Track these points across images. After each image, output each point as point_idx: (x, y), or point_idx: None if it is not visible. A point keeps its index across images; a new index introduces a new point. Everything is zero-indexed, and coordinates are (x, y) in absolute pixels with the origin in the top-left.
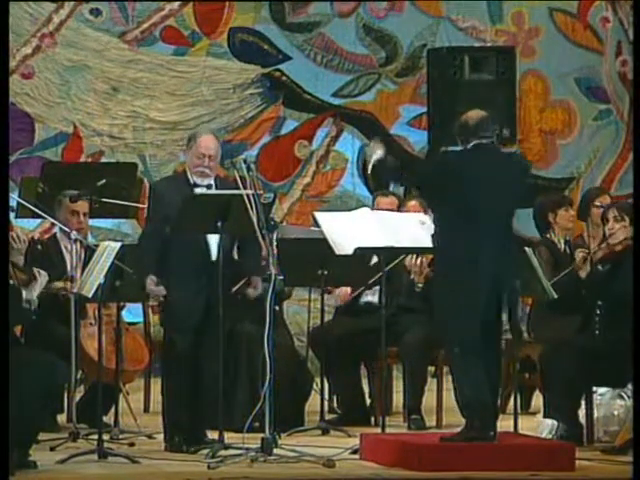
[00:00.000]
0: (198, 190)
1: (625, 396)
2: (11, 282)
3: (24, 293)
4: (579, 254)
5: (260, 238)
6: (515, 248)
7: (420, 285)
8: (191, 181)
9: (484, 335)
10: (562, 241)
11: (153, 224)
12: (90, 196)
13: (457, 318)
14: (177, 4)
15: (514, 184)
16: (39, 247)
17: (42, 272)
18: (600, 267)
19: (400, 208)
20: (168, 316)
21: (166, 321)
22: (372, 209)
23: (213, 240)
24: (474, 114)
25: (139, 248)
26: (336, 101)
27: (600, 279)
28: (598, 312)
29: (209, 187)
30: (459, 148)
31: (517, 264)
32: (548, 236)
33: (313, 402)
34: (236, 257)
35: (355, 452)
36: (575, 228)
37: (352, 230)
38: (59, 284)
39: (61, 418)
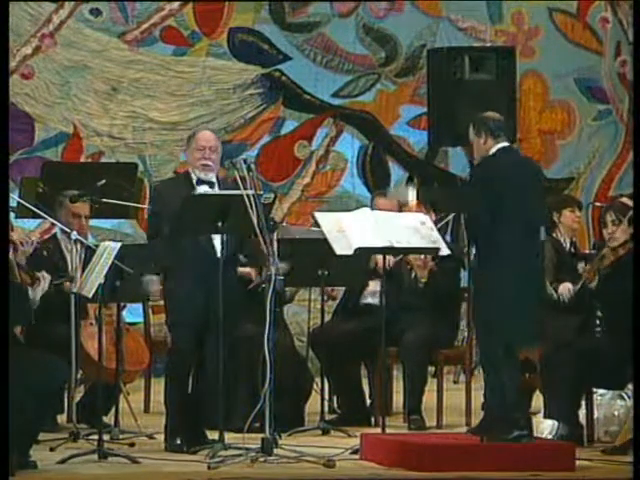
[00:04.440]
0: (201, 188)
1: (625, 396)
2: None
3: (30, 292)
4: (585, 269)
5: (260, 238)
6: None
7: (423, 280)
8: (194, 179)
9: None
10: (567, 241)
11: (157, 226)
12: (90, 196)
13: (503, 320)
14: (177, 4)
15: (539, 187)
16: (45, 252)
17: (46, 275)
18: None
19: (402, 208)
20: (172, 314)
21: (170, 319)
22: (371, 210)
23: (217, 238)
24: (493, 115)
25: (146, 249)
26: (336, 101)
27: (602, 281)
28: (599, 313)
29: (211, 185)
30: (487, 154)
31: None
32: (554, 235)
33: (313, 402)
34: (241, 257)
35: (355, 452)
36: (580, 229)
37: (352, 230)
38: (66, 284)
39: (61, 418)
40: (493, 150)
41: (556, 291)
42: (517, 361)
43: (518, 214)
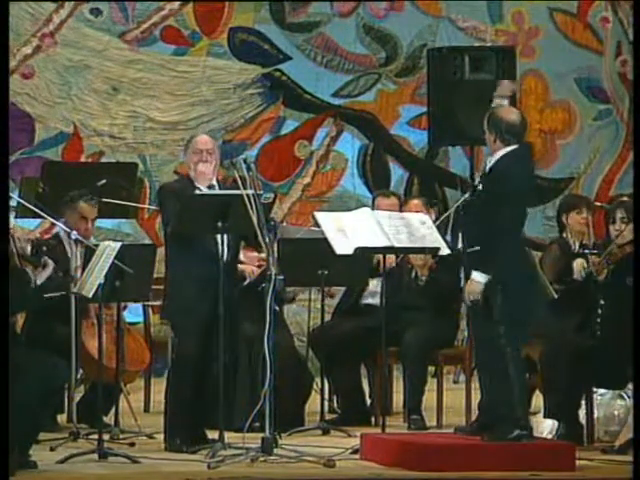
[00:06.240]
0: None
1: (625, 396)
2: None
3: (32, 277)
4: (594, 261)
5: (260, 238)
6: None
7: (424, 278)
8: (195, 182)
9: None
10: (577, 243)
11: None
12: (93, 197)
13: (509, 318)
14: (177, 4)
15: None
16: (44, 248)
17: (49, 262)
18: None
19: (402, 208)
20: (178, 317)
21: (175, 322)
22: (372, 210)
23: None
24: (508, 115)
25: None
26: (336, 101)
27: (606, 277)
28: (599, 312)
29: (211, 187)
30: (509, 149)
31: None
32: (564, 235)
33: (313, 402)
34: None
35: (355, 452)
36: (589, 231)
37: (352, 230)
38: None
39: (61, 418)
40: (499, 154)
41: (557, 292)
42: (522, 359)
43: (517, 219)
